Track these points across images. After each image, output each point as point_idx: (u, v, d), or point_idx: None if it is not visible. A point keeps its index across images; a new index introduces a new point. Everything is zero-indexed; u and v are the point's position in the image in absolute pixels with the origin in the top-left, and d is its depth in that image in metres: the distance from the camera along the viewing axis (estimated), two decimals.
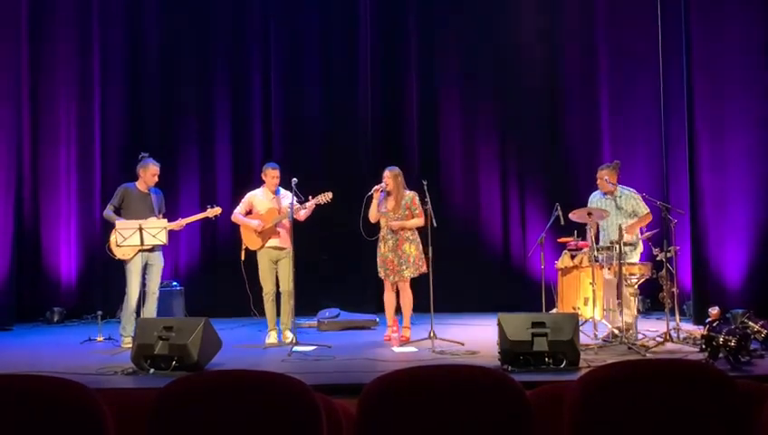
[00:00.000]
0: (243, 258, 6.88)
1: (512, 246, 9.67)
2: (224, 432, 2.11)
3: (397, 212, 6.68)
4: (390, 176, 6.71)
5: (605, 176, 6.79)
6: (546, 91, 9.70)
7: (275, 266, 6.82)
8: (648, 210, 6.75)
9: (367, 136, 9.63)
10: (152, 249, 6.63)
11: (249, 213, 6.92)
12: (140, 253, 6.59)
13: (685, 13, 8.09)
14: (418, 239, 6.72)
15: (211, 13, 9.80)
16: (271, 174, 6.87)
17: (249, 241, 6.86)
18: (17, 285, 8.66)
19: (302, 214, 6.79)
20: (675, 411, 2.11)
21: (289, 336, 6.61)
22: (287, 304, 6.71)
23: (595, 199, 6.97)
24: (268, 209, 6.84)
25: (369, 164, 9.03)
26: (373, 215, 6.74)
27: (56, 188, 9.25)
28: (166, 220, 6.72)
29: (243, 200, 7.00)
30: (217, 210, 7.01)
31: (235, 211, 6.97)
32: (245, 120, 9.80)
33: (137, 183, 6.82)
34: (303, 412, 2.12)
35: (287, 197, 6.80)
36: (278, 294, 6.83)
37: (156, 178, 6.83)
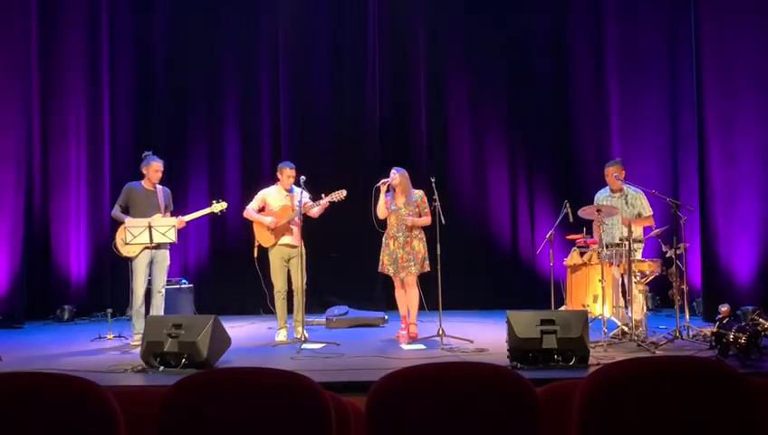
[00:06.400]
0: (255, 255, 6.90)
1: (520, 243, 9.66)
2: (233, 430, 2.11)
3: (408, 209, 6.68)
4: (398, 173, 6.73)
5: (614, 172, 6.76)
6: (555, 90, 9.68)
7: (287, 265, 6.83)
8: (652, 213, 6.73)
9: (375, 135, 9.64)
10: (158, 246, 6.66)
11: (262, 210, 6.94)
12: (146, 250, 6.63)
13: (694, 8, 8.05)
14: (425, 238, 6.73)
15: (220, 13, 9.83)
16: (288, 173, 6.90)
17: (262, 238, 6.88)
18: (28, 284, 8.71)
19: (315, 211, 6.81)
20: (685, 409, 2.10)
21: (301, 332, 6.61)
22: (300, 301, 6.73)
23: (602, 198, 6.94)
24: (282, 206, 6.86)
25: (378, 163, 9.03)
26: (382, 211, 6.75)
27: (66, 187, 9.31)
28: (175, 218, 6.74)
29: (256, 197, 7.01)
30: (223, 205, 7.03)
31: (248, 207, 6.98)
32: (254, 119, 9.82)
33: (143, 182, 6.85)
34: (312, 410, 2.12)
35: (300, 195, 6.82)
36: (290, 293, 6.85)
37: (159, 175, 6.85)
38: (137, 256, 6.65)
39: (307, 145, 9.60)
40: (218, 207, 7.01)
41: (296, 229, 6.78)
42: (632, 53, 9.30)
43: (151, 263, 6.69)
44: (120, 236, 6.72)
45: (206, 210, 7.03)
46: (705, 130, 7.91)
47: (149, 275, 6.74)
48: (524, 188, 9.70)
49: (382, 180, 6.72)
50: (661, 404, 2.10)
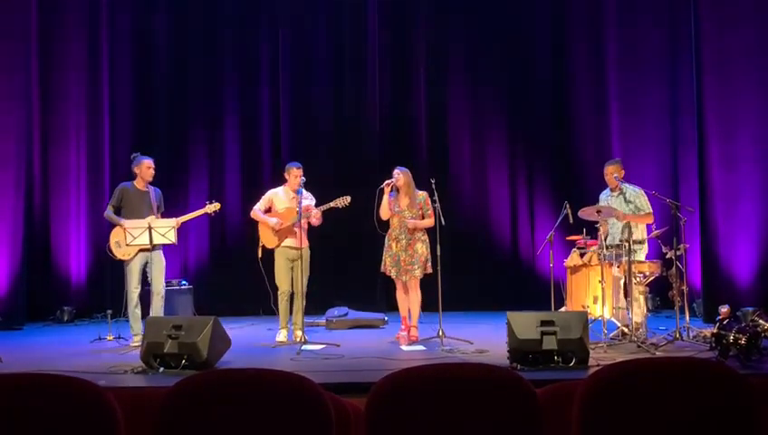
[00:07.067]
0: (260, 256, 6.89)
1: (520, 244, 9.66)
2: (233, 431, 2.11)
3: (411, 211, 6.66)
4: (401, 173, 6.71)
5: (614, 172, 6.76)
6: (555, 91, 9.69)
7: (292, 266, 6.83)
8: (651, 210, 6.70)
9: (375, 135, 9.64)
10: (153, 248, 6.64)
11: (269, 211, 6.94)
12: (141, 253, 6.62)
13: (694, 8, 8.06)
14: (428, 240, 6.71)
15: (220, 13, 9.83)
16: (294, 173, 6.88)
17: (266, 239, 6.88)
18: (28, 285, 8.70)
19: (314, 220, 6.79)
20: (685, 410, 2.10)
21: (300, 335, 6.61)
22: (299, 304, 6.73)
23: (604, 198, 6.94)
24: (287, 208, 6.85)
25: (379, 164, 9.03)
26: (385, 212, 6.72)
27: (66, 188, 9.30)
28: (175, 219, 6.73)
29: (263, 197, 7.00)
30: (216, 206, 7.02)
31: (255, 208, 6.98)
32: (254, 119, 9.83)
33: (134, 182, 6.84)
34: (313, 411, 2.12)
35: (308, 198, 6.82)
36: (292, 294, 6.84)
37: (152, 171, 6.84)
38: (131, 258, 6.63)
39: (307, 145, 9.60)
40: (211, 207, 7.01)
41: (300, 232, 6.75)
42: (632, 54, 9.30)
43: (147, 265, 6.68)
44: (114, 239, 6.70)
45: (200, 211, 7.02)
46: (705, 131, 7.91)
47: (146, 277, 6.72)
48: (524, 189, 9.71)
49: (386, 181, 6.70)
50: (661, 405, 2.10)
